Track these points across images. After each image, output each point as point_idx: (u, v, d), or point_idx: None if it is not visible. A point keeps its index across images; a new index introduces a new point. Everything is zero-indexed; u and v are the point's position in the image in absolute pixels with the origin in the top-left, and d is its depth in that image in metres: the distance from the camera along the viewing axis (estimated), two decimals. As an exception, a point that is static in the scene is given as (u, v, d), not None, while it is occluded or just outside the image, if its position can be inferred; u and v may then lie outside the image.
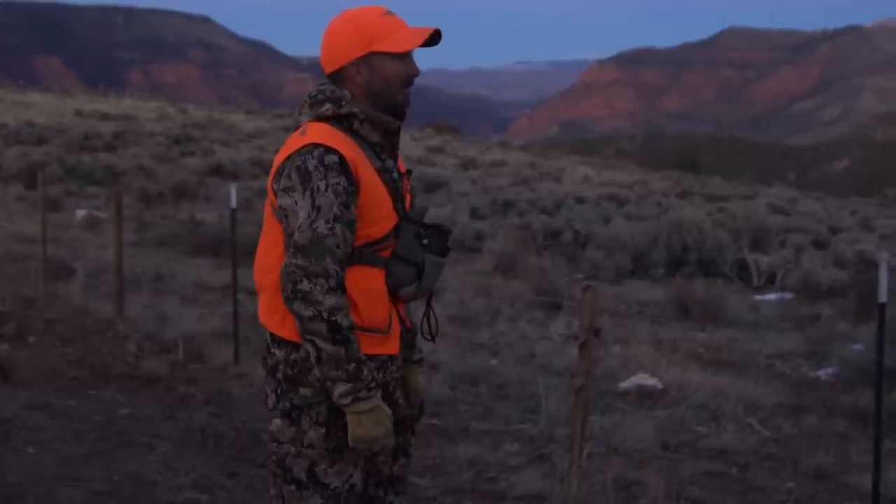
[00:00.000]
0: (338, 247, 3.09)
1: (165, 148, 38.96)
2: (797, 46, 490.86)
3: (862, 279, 14.62)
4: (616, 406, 8.38)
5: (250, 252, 3.41)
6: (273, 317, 3.30)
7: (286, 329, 3.26)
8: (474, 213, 24.68)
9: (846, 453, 7.58)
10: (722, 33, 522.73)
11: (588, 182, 45.30)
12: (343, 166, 3.15)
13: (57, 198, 22.35)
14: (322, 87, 3.34)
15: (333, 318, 3.06)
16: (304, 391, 3.26)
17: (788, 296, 15.91)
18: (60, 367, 8.90)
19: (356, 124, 3.29)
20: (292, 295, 3.08)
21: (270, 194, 3.29)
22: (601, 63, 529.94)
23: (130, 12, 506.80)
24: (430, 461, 6.97)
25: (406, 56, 3.32)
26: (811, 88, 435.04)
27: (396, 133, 3.39)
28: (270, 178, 3.29)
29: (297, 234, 3.09)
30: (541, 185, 39.63)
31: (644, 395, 8.80)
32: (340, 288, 3.11)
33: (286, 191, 3.16)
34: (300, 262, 3.06)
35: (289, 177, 3.16)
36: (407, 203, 3.43)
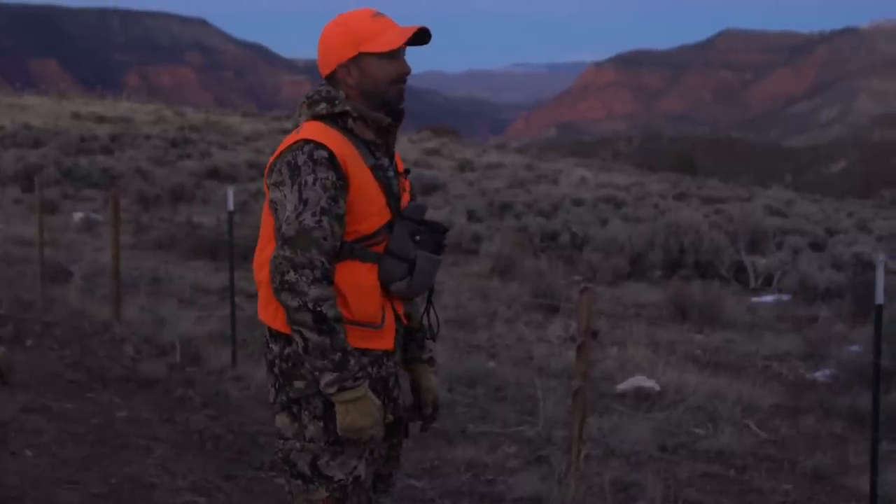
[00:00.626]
0: (325, 239, 3.16)
1: (162, 150, 38.95)
2: (794, 48, 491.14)
3: (859, 281, 14.64)
4: (614, 408, 8.39)
5: (247, 255, 3.44)
6: (268, 309, 3.37)
7: (279, 321, 3.32)
8: (471, 216, 24.69)
9: (844, 454, 7.59)
10: (719, 35, 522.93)
11: (585, 184, 45.32)
12: (332, 161, 3.22)
13: (54, 200, 22.33)
14: (319, 88, 3.42)
15: (318, 309, 3.12)
16: (297, 384, 3.32)
17: (786, 297, 15.93)
18: (58, 370, 8.89)
19: (350, 122, 3.36)
20: (279, 286, 3.15)
21: (266, 189, 3.36)
22: (598, 65, 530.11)
23: (126, 15, 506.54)
24: (428, 463, 6.97)
25: (395, 55, 3.39)
26: (808, 90, 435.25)
27: (390, 131, 3.44)
28: (265, 174, 3.37)
29: (284, 226, 3.17)
30: (538, 187, 39.64)
31: (642, 397, 8.80)
32: (326, 279, 3.16)
33: (277, 185, 3.25)
34: (287, 253, 3.13)
35: (280, 172, 3.24)
36: (405, 201, 3.48)
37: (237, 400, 8.28)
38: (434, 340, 3.69)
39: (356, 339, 3.27)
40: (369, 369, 3.34)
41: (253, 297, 3.60)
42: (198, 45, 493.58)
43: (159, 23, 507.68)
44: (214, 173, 32.20)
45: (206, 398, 8.30)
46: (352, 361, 3.18)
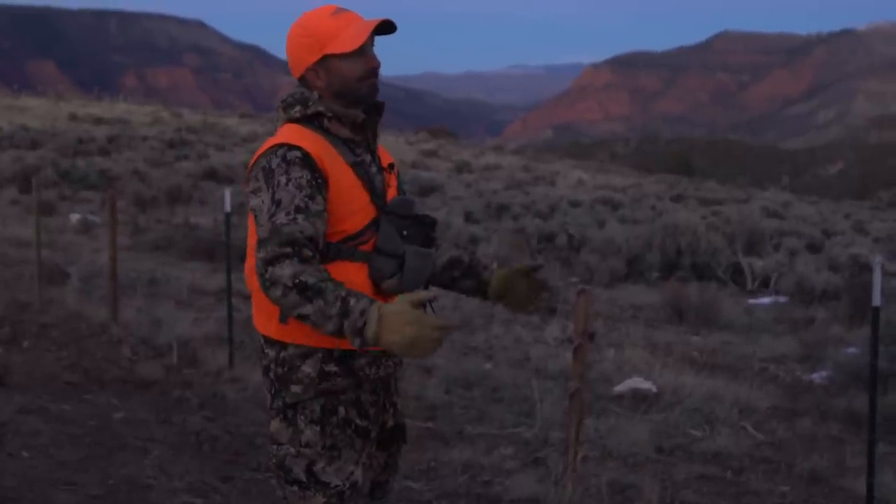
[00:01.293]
0: (300, 232, 3.01)
1: (160, 152, 38.98)
2: (791, 50, 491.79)
3: (856, 282, 14.65)
4: (610, 410, 8.39)
5: (245, 256, 3.39)
6: (259, 317, 3.31)
7: (272, 328, 3.25)
8: (468, 217, 24.70)
9: (840, 456, 7.59)
10: (716, 37, 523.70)
11: (582, 186, 45.38)
12: (306, 160, 3.14)
13: (51, 202, 22.35)
14: (292, 91, 3.38)
15: (298, 280, 2.92)
16: (294, 388, 3.24)
17: (782, 299, 15.94)
18: (55, 372, 8.89)
19: (325, 122, 3.31)
20: (264, 285, 3.00)
21: (247, 198, 3.31)
22: (596, 67, 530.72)
23: (124, 16, 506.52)
24: (425, 465, 6.97)
25: (361, 52, 3.29)
26: (805, 92, 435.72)
27: (366, 126, 3.37)
28: (245, 183, 3.31)
29: (258, 229, 3.08)
30: (535, 188, 39.68)
31: (638, 399, 8.80)
32: (297, 256, 2.97)
33: (255, 192, 3.17)
34: (261, 254, 3.01)
35: (256, 178, 3.18)
36: (390, 196, 3.40)
37: (234, 401, 8.28)
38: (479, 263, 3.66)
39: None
40: (368, 370, 3.27)
41: (250, 298, 3.64)
42: (195, 47, 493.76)
43: (157, 24, 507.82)
44: (212, 175, 32.22)
45: (203, 399, 8.30)
46: (352, 301, 2.91)
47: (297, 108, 3.31)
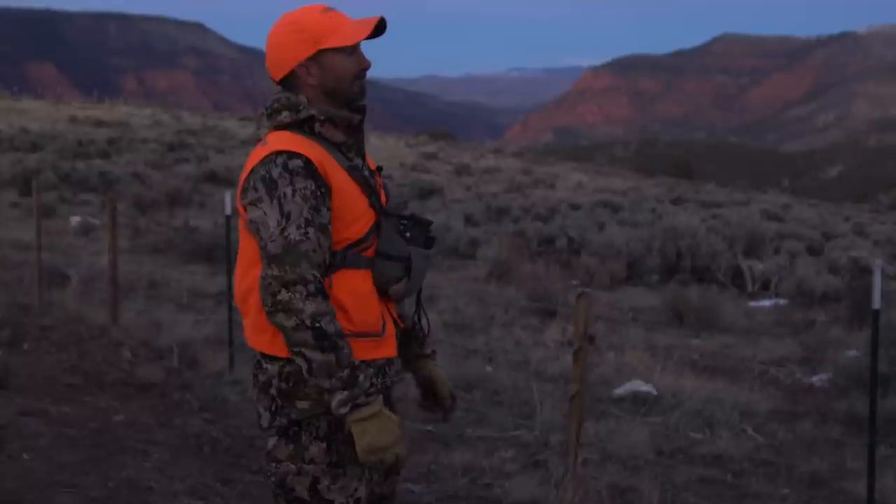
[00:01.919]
0: (313, 251, 2.97)
1: (160, 155, 39.02)
2: (791, 53, 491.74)
3: (856, 285, 14.66)
4: (611, 412, 8.39)
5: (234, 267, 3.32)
6: (261, 337, 3.17)
7: (277, 347, 3.11)
8: (468, 220, 24.72)
9: (841, 459, 7.59)
10: (716, 40, 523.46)
11: (582, 188, 45.39)
12: (309, 169, 3.05)
13: (51, 204, 22.35)
14: (277, 96, 3.24)
15: (318, 325, 2.92)
16: (301, 405, 3.12)
17: (783, 302, 15.94)
18: (55, 374, 8.89)
19: (317, 126, 3.19)
20: (273, 308, 2.95)
21: (241, 210, 3.17)
22: (595, 70, 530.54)
23: (123, 19, 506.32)
24: (425, 468, 6.97)
25: (355, 49, 3.23)
26: (805, 95, 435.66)
27: (360, 129, 3.30)
28: (238, 195, 3.18)
29: (269, 244, 2.98)
30: (535, 191, 39.70)
31: (639, 402, 8.80)
32: (321, 293, 2.96)
33: (254, 203, 3.05)
34: (275, 272, 2.94)
35: (255, 189, 3.05)
36: (382, 199, 3.32)
37: (234, 404, 8.28)
38: (426, 339, 3.55)
39: (360, 351, 3.07)
40: (374, 380, 3.14)
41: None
42: (195, 50, 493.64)
43: (156, 27, 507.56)
44: (211, 177, 32.23)
45: (203, 402, 8.30)
46: (361, 377, 2.99)
47: (286, 113, 3.19)
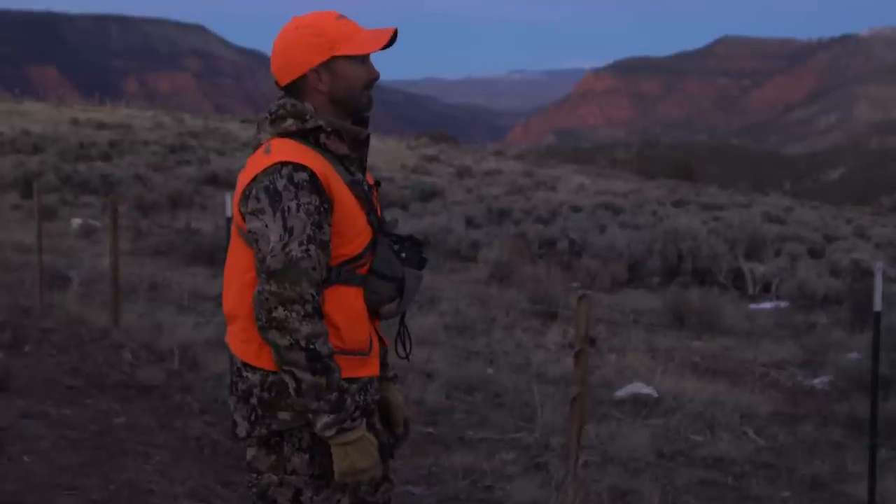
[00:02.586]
0: (313, 269, 2.93)
1: (161, 157, 39.03)
2: (792, 55, 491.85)
3: (857, 288, 14.66)
4: (612, 415, 8.39)
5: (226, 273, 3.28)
6: (249, 347, 3.11)
7: (264, 359, 3.07)
8: (470, 222, 24.71)
9: (842, 462, 7.60)
10: (717, 42, 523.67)
11: (583, 191, 45.40)
12: (314, 183, 2.98)
13: (53, 207, 22.36)
14: (282, 102, 3.17)
15: (312, 346, 2.90)
16: (283, 415, 3.07)
17: (784, 304, 15.94)
18: (56, 376, 8.88)
19: (322, 138, 3.13)
20: (267, 324, 2.91)
21: (237, 217, 3.13)
22: (597, 72, 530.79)
23: (125, 21, 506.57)
24: (426, 470, 6.97)
25: (366, 59, 3.19)
26: (806, 97, 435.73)
27: (366, 144, 3.27)
28: (236, 200, 3.14)
29: (269, 258, 2.92)
30: (536, 193, 39.70)
31: (640, 404, 8.80)
32: (318, 314, 2.94)
33: (255, 213, 2.99)
34: (274, 288, 2.90)
35: (257, 199, 2.99)
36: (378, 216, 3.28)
37: (235, 406, 8.27)
38: (408, 360, 3.49)
39: (346, 369, 3.05)
40: (357, 397, 3.10)
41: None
42: (196, 52, 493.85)
43: (157, 29, 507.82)
44: (213, 179, 32.22)
45: (204, 404, 8.29)
46: (348, 401, 2.99)
47: (291, 121, 3.12)
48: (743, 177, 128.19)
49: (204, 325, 10.94)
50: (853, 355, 10.82)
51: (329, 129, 3.13)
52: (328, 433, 2.98)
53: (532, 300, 13.85)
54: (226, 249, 3.29)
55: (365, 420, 3.10)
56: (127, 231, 18.77)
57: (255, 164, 3.09)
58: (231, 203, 3.26)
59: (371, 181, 3.31)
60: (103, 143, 41.93)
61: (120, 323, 10.76)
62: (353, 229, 3.10)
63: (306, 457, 3.10)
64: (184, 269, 15.97)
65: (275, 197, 2.95)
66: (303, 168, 2.99)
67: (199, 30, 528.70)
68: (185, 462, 6.87)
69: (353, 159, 3.20)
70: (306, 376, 2.92)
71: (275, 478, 3.13)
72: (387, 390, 3.42)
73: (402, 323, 3.46)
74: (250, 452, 3.18)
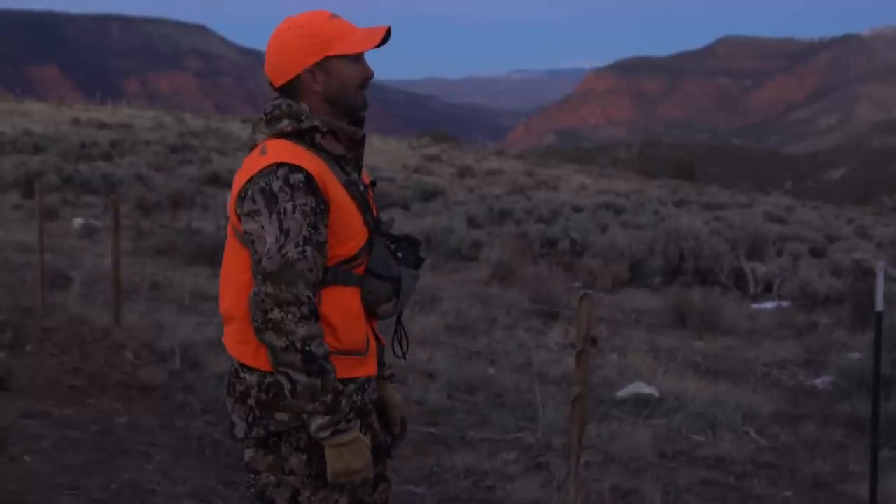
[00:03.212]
0: (310, 271, 2.93)
1: (162, 157, 39.03)
2: (794, 55, 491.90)
3: (859, 288, 14.66)
4: (613, 415, 8.39)
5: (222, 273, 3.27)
6: (245, 348, 3.12)
7: (261, 360, 3.07)
8: (471, 222, 24.71)
9: (843, 462, 7.59)
10: (719, 42, 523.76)
11: (585, 190, 45.41)
12: (310, 185, 2.98)
13: (54, 206, 22.36)
14: (277, 102, 3.16)
15: (308, 348, 2.90)
16: (280, 416, 3.08)
17: (785, 304, 15.93)
18: (58, 376, 8.89)
19: (318, 138, 3.12)
20: (263, 325, 2.92)
21: (233, 218, 3.12)
22: (598, 71, 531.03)
23: (126, 21, 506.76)
24: (428, 470, 6.97)
25: (360, 58, 3.19)
26: (808, 97, 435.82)
27: (362, 144, 3.24)
28: (232, 201, 3.12)
29: (265, 260, 2.92)
30: (537, 193, 39.70)
31: (641, 404, 8.80)
32: (314, 315, 2.94)
33: (251, 215, 2.98)
34: (270, 289, 2.90)
35: (253, 200, 2.98)
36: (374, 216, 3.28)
37: (237, 406, 8.27)
38: (405, 359, 3.50)
39: (342, 369, 3.06)
40: (354, 397, 3.12)
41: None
42: (197, 52, 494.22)
43: (158, 29, 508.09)
44: (214, 179, 32.22)
45: (205, 404, 8.29)
46: (343, 402, 2.99)
47: (287, 122, 3.11)
48: (744, 176, 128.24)
49: (205, 324, 10.93)
50: (855, 355, 10.81)
51: (325, 130, 3.13)
52: (323, 434, 2.99)
53: (533, 300, 13.84)
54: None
55: (360, 421, 3.10)
56: (128, 231, 18.77)
57: (251, 164, 3.08)
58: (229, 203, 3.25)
59: (367, 181, 3.30)
60: (104, 143, 41.95)
61: (121, 323, 10.76)
62: (349, 230, 3.10)
63: (304, 457, 3.11)
64: (185, 269, 15.97)
65: (271, 198, 2.95)
66: (299, 169, 2.99)
67: (200, 29, 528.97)
68: (186, 462, 6.87)
69: (348, 159, 3.20)
70: (302, 378, 2.92)
71: (273, 478, 3.14)
72: (384, 389, 3.42)
73: (398, 322, 3.47)
74: (248, 453, 3.20)
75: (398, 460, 6.49)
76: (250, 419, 3.13)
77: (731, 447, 7.72)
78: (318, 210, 2.99)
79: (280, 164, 2.99)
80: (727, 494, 6.80)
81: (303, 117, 3.12)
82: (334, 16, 3.19)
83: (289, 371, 2.93)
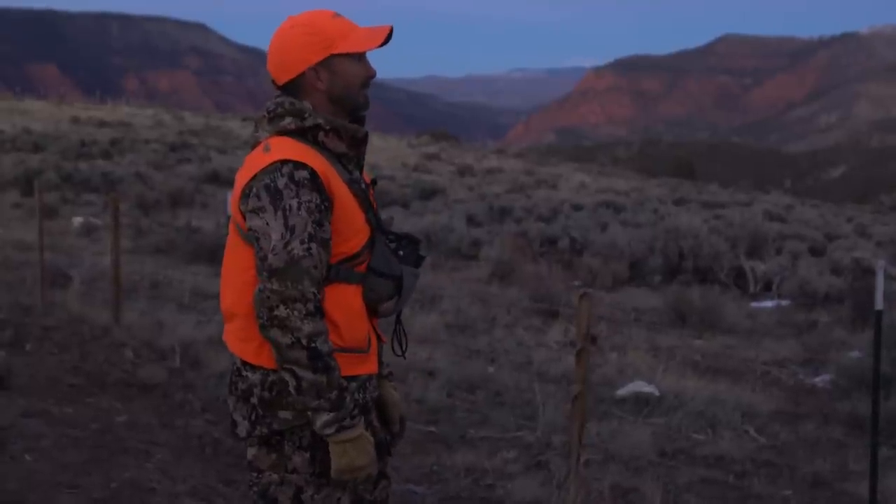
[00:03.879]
0: (315, 268, 2.93)
1: (162, 155, 39.01)
2: (793, 53, 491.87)
3: (859, 286, 14.66)
4: (613, 413, 8.39)
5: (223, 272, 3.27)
6: (248, 346, 3.12)
7: (263, 358, 3.08)
8: (471, 220, 24.69)
9: (843, 460, 7.59)
10: (718, 40, 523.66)
11: (585, 189, 45.40)
12: (315, 182, 2.99)
13: (54, 205, 22.36)
14: (280, 100, 3.17)
15: (313, 345, 2.91)
16: (283, 414, 3.08)
17: (785, 303, 15.93)
18: (58, 375, 8.88)
19: (321, 136, 3.13)
20: (268, 322, 2.91)
21: (237, 216, 3.13)
22: (598, 70, 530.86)
23: (125, 19, 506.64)
24: (428, 468, 6.97)
25: (363, 57, 3.20)
26: (807, 95, 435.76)
27: (364, 142, 3.24)
28: (235, 199, 3.13)
29: (270, 256, 2.92)
30: (537, 192, 39.70)
31: (641, 403, 8.80)
32: (319, 312, 2.94)
33: (256, 211, 2.99)
34: (275, 286, 2.90)
35: (257, 197, 2.99)
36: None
37: (237, 405, 8.26)
38: (404, 357, 3.50)
39: (345, 366, 3.05)
40: (356, 395, 3.12)
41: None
42: (197, 50, 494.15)
43: (158, 27, 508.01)
44: (214, 178, 32.20)
45: (205, 403, 8.29)
46: (348, 399, 3.01)
47: (290, 119, 3.12)
48: (744, 175, 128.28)
49: (205, 323, 10.93)
50: (854, 354, 10.82)
51: (328, 128, 3.13)
52: (328, 431, 2.99)
53: (533, 298, 13.85)
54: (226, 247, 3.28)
55: (363, 418, 3.11)
56: (128, 229, 18.77)
57: (255, 162, 3.09)
58: (231, 201, 3.25)
59: (367, 179, 3.31)
60: (104, 142, 41.95)
61: (121, 321, 10.76)
62: (351, 227, 3.11)
63: (307, 455, 3.11)
64: (185, 268, 15.97)
65: (276, 195, 2.96)
66: (303, 166, 2.99)
67: (200, 28, 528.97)
68: (186, 460, 6.87)
69: (350, 157, 3.21)
70: (307, 374, 2.92)
71: (276, 476, 3.14)
72: (382, 388, 3.41)
73: (398, 321, 3.47)
74: (251, 451, 3.19)
75: (398, 459, 6.50)
76: (253, 418, 3.13)
77: (731, 446, 7.73)
78: (322, 207, 2.99)
79: (285, 161, 3.00)
80: (727, 493, 6.81)
81: (306, 115, 3.12)
82: (337, 15, 3.20)
83: (294, 368, 2.93)
